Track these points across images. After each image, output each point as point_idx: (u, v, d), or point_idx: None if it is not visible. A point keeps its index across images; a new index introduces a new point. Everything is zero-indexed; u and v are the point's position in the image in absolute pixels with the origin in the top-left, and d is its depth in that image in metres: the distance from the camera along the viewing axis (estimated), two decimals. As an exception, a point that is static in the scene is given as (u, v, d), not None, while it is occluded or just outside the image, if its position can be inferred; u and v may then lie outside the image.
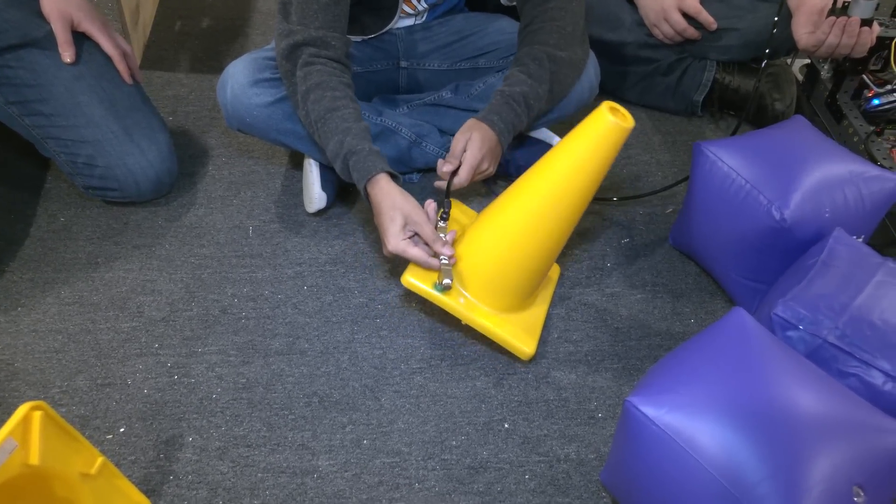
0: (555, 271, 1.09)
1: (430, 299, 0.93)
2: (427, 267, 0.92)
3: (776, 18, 1.14)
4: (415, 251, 0.90)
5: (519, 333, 0.95)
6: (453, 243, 0.95)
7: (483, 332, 0.95)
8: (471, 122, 1.03)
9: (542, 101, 1.05)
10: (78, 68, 1.07)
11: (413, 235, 0.92)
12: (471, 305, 0.94)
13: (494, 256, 0.93)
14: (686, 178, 1.12)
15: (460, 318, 0.95)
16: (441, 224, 0.96)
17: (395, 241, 0.90)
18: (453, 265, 0.93)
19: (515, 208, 0.92)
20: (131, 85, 1.12)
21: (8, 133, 1.12)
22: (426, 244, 0.92)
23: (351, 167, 0.94)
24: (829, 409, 0.68)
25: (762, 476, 0.64)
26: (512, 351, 0.95)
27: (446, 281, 0.90)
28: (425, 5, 1.15)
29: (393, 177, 0.94)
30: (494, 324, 0.94)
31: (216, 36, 1.55)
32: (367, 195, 0.95)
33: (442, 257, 0.91)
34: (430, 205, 0.95)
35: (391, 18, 1.11)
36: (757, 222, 0.94)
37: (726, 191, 0.97)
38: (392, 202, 0.91)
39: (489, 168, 1.03)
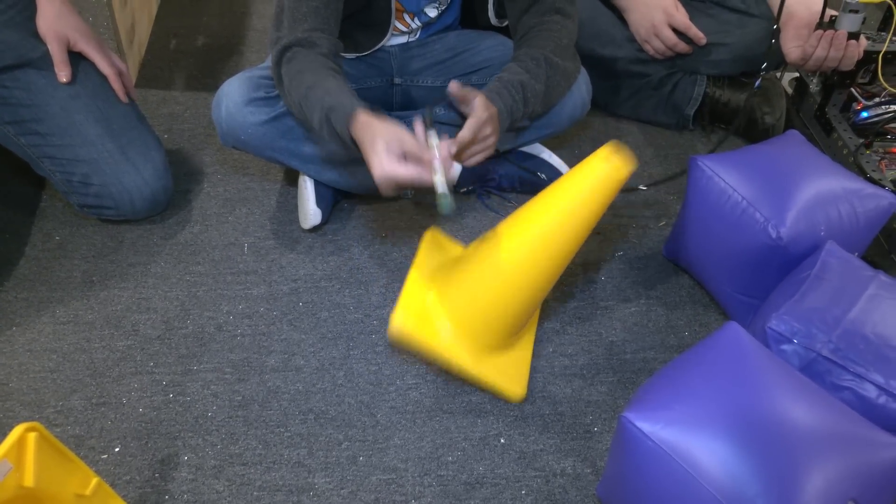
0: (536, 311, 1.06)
1: (424, 347, 0.92)
2: (420, 183, 0.85)
3: (775, 26, 1.15)
4: (404, 169, 0.84)
5: (509, 376, 0.95)
6: (444, 163, 0.88)
7: (471, 380, 0.95)
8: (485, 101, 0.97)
9: (539, 98, 1.03)
10: (74, 88, 1.07)
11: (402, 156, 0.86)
12: (457, 349, 0.92)
13: (486, 294, 0.91)
14: (682, 172, 1.13)
15: (449, 366, 0.94)
16: (431, 133, 0.90)
17: (382, 166, 0.84)
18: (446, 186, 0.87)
19: (510, 247, 0.89)
20: (127, 104, 1.13)
21: (3, 152, 1.12)
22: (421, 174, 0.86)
23: (333, 123, 0.90)
24: (823, 423, 0.69)
25: (758, 491, 0.64)
26: (503, 394, 0.95)
27: (442, 190, 0.84)
28: (419, 23, 1.16)
29: (373, 112, 0.90)
30: (482, 369, 0.93)
31: (211, 54, 1.56)
32: (354, 143, 0.90)
33: (435, 166, 0.86)
34: (418, 125, 0.91)
35: (384, 35, 1.12)
36: (753, 239, 0.94)
37: (722, 206, 0.98)
38: (372, 132, 0.86)
39: (491, 136, 0.97)
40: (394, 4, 1.08)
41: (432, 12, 1.13)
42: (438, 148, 0.89)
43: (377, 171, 0.85)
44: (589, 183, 0.84)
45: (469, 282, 0.93)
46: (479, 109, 0.94)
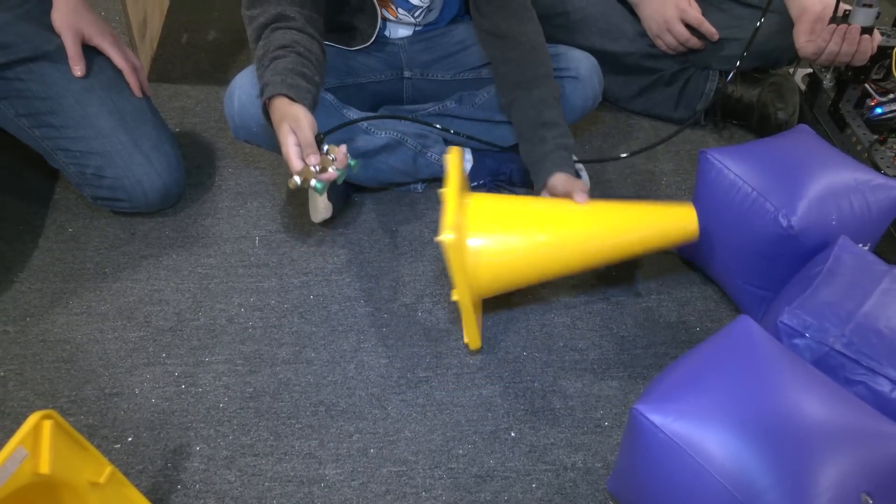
0: None
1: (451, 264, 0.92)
2: (287, 159, 0.88)
3: (760, 22, 1.14)
4: (294, 158, 0.88)
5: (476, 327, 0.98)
6: None
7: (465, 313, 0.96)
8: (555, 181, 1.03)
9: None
10: (88, 81, 1.08)
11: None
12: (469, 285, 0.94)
13: (518, 258, 0.94)
14: (676, 133, 1.15)
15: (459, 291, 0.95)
16: (324, 148, 0.92)
17: (285, 143, 0.88)
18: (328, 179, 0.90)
19: (564, 231, 0.95)
20: (140, 98, 1.13)
21: (17, 144, 1.13)
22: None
23: (263, 96, 0.92)
24: (836, 417, 0.68)
25: (770, 483, 0.64)
26: (469, 337, 0.98)
27: (293, 179, 0.88)
28: (411, 18, 1.16)
29: (293, 100, 0.91)
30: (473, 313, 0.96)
31: (222, 48, 1.57)
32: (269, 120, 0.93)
33: (311, 164, 0.88)
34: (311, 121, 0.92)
35: (376, 18, 1.11)
36: (764, 229, 0.94)
37: (732, 198, 0.98)
38: (282, 113, 0.90)
39: (580, 183, 1.01)
40: None
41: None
42: (330, 152, 0.90)
43: (283, 146, 0.89)
44: (670, 228, 0.97)
45: (512, 234, 0.96)
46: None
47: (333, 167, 0.89)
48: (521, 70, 1.07)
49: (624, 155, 1.29)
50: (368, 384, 0.96)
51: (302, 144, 0.89)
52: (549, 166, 1.02)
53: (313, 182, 0.88)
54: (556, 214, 0.96)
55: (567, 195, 0.99)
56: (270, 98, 0.91)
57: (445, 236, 0.87)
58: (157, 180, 1.11)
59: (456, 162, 0.98)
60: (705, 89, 1.37)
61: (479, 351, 1.01)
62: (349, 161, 0.92)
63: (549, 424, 0.93)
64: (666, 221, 0.97)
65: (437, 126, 1.12)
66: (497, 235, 0.94)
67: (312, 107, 0.93)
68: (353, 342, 1.01)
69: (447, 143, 1.20)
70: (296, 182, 0.88)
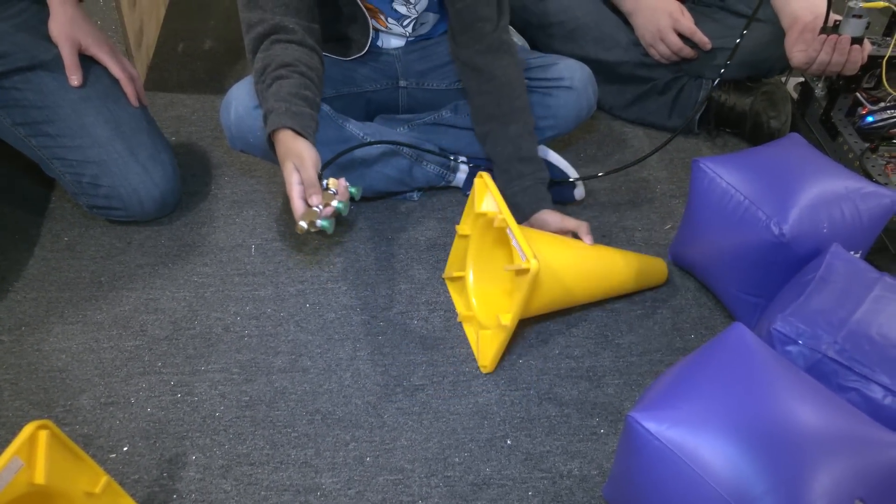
0: None
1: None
2: (290, 201, 0.89)
3: (744, 32, 1.15)
4: (296, 199, 0.88)
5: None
6: None
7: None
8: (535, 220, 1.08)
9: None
10: (84, 90, 1.08)
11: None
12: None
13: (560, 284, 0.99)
14: (666, 142, 1.18)
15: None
16: (324, 183, 0.92)
17: (289, 182, 0.88)
18: (329, 215, 0.89)
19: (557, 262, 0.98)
20: (136, 107, 1.14)
21: (13, 153, 1.13)
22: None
23: (267, 125, 0.93)
24: (829, 423, 0.69)
25: (764, 490, 0.64)
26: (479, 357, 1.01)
27: (299, 224, 0.87)
28: (401, 29, 1.17)
29: (301, 135, 0.92)
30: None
31: (218, 57, 1.58)
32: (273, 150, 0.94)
33: (314, 205, 0.88)
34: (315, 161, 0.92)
35: (368, 28, 1.12)
36: (756, 237, 0.95)
37: (725, 206, 0.99)
38: (286, 149, 0.90)
39: (576, 225, 1.05)
40: (362, 5, 1.09)
41: (402, 8, 1.14)
42: (330, 186, 0.91)
43: (288, 184, 0.89)
44: (644, 268, 1.08)
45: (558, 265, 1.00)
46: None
47: (336, 201, 0.89)
48: (497, 103, 1.10)
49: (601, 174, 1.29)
50: (364, 392, 0.97)
51: (305, 184, 0.89)
52: (529, 202, 1.08)
53: (320, 223, 0.88)
54: (579, 251, 1.02)
55: (562, 231, 1.05)
56: (275, 130, 0.92)
57: (530, 263, 0.87)
58: (154, 189, 1.12)
59: (494, 186, 0.99)
60: (698, 98, 1.38)
61: (474, 359, 1.01)
62: (350, 190, 0.92)
63: (545, 432, 0.93)
64: (650, 269, 1.10)
65: (431, 148, 1.16)
66: (549, 264, 0.96)
67: (315, 132, 0.94)
68: (350, 350, 1.02)
69: (442, 151, 1.20)
70: (303, 227, 0.88)
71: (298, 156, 0.89)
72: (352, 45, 1.15)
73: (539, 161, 1.11)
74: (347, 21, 1.12)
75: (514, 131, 1.09)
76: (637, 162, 1.20)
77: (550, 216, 1.06)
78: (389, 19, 1.15)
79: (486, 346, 0.99)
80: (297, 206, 0.88)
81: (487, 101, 1.10)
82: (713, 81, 1.37)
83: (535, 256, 0.87)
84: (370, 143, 1.11)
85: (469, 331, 1.04)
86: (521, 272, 0.89)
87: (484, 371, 0.99)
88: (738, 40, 1.13)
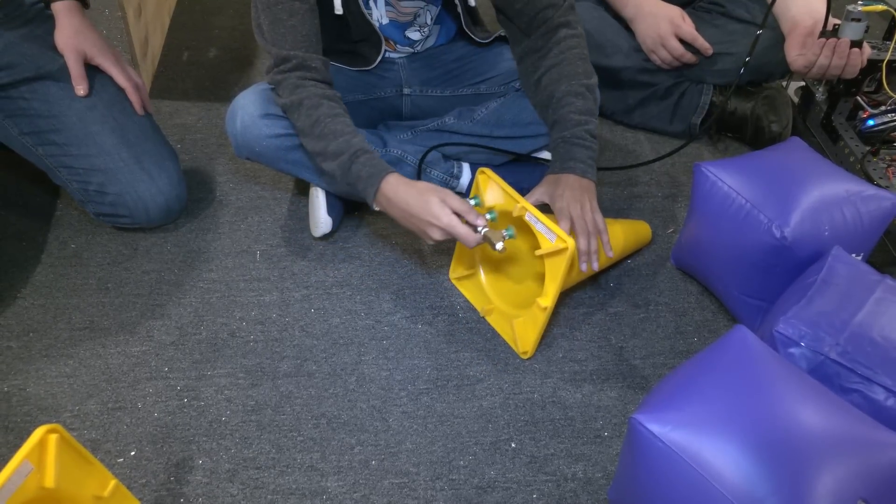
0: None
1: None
2: (470, 242, 0.89)
3: (758, 32, 1.16)
4: (462, 228, 0.88)
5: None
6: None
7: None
8: (552, 178, 0.99)
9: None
10: (90, 99, 1.09)
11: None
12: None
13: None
14: (679, 149, 1.19)
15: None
16: (471, 202, 0.96)
17: (444, 215, 0.88)
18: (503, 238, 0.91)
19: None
20: (142, 115, 1.15)
21: (20, 162, 1.15)
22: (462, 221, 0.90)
23: (361, 164, 0.93)
24: (832, 425, 0.69)
25: (768, 491, 0.64)
26: (519, 342, 1.03)
27: (499, 245, 0.89)
28: (410, 49, 1.18)
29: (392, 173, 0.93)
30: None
31: (223, 66, 1.59)
32: (374, 195, 0.93)
33: (479, 227, 0.89)
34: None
35: (380, 47, 1.14)
36: (758, 241, 0.95)
37: (727, 210, 0.99)
38: (417, 189, 0.90)
39: (597, 218, 0.97)
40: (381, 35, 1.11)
41: (414, 35, 1.15)
42: (479, 215, 0.91)
43: (442, 220, 0.88)
44: (633, 232, 1.15)
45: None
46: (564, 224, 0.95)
47: (483, 216, 0.91)
48: (568, 68, 1.04)
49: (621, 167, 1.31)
50: (369, 396, 0.97)
51: (462, 212, 0.89)
52: (566, 154, 0.99)
53: (499, 245, 0.89)
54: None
55: (565, 204, 0.96)
56: (382, 173, 0.92)
57: (567, 242, 0.88)
58: (159, 196, 1.13)
59: (498, 178, 0.99)
60: (700, 103, 1.39)
61: (478, 362, 1.02)
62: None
63: (549, 435, 0.94)
64: (638, 232, 1.17)
65: (478, 144, 1.17)
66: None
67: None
68: (354, 355, 1.02)
69: (445, 158, 1.21)
70: (505, 247, 0.89)
71: (432, 190, 0.89)
72: (360, 59, 1.16)
73: (591, 121, 1.03)
74: (359, 39, 1.13)
75: (577, 84, 1.03)
76: (636, 165, 1.21)
77: (571, 185, 0.97)
78: (399, 45, 1.17)
79: (523, 332, 1.00)
80: (466, 232, 0.89)
81: (548, 64, 1.05)
82: (719, 88, 1.38)
83: (564, 240, 0.89)
84: (443, 145, 1.14)
85: (496, 322, 1.06)
86: (556, 253, 0.90)
87: (524, 357, 1.01)
88: (752, 41, 1.12)
